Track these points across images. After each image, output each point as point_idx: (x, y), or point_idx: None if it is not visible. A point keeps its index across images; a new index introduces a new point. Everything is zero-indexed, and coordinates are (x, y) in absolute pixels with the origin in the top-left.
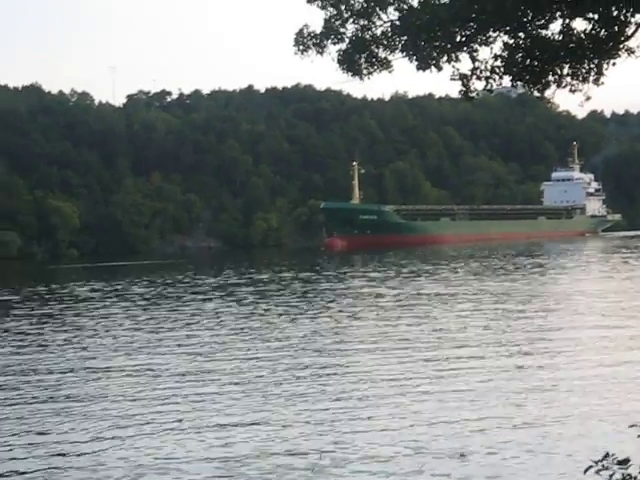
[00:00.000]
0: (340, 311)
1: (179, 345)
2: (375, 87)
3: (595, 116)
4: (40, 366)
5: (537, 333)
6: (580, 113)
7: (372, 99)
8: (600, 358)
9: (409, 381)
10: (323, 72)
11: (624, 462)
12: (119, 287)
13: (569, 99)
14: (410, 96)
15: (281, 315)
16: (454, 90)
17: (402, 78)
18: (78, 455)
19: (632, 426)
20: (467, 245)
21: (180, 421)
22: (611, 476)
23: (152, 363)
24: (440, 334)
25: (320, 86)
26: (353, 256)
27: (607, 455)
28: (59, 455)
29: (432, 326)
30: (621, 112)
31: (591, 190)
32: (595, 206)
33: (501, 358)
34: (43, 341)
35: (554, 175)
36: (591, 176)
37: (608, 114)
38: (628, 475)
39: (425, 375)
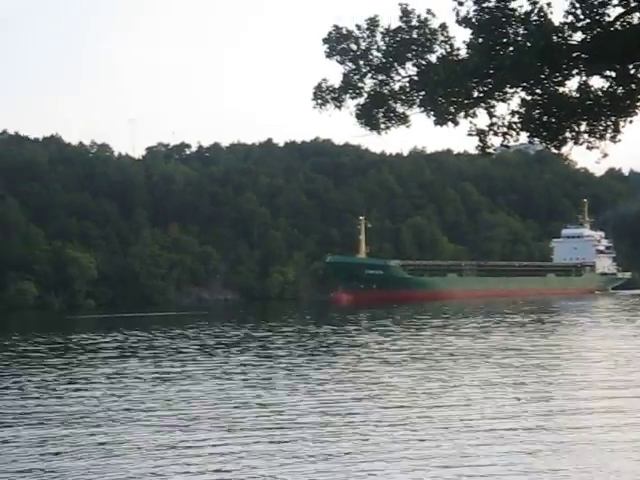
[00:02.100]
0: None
1: (193, 395)
2: (393, 142)
3: (613, 173)
4: (56, 414)
5: (551, 389)
6: (598, 170)
7: (390, 154)
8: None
9: (420, 444)
10: (342, 126)
11: None
12: (138, 338)
13: (587, 156)
14: (428, 151)
15: (282, 373)
16: (472, 146)
17: (420, 133)
18: None
19: None
20: (474, 301)
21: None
22: None
23: (172, 415)
24: (446, 388)
25: (339, 140)
26: (359, 311)
27: None
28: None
29: (439, 381)
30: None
31: (601, 247)
32: (605, 263)
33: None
34: (61, 389)
35: (564, 232)
36: (601, 233)
37: (626, 171)
38: None
39: (434, 433)
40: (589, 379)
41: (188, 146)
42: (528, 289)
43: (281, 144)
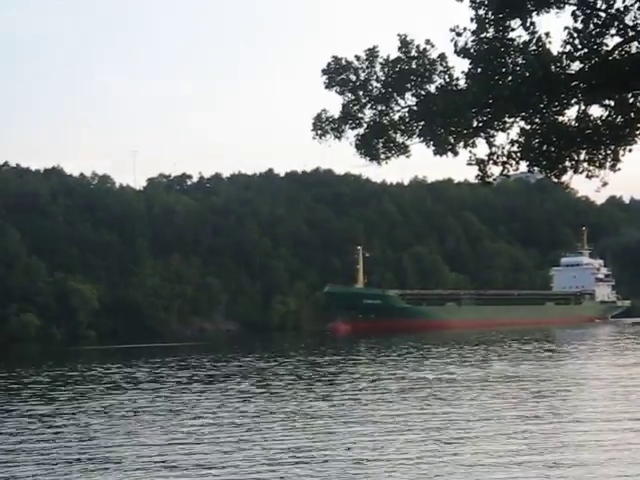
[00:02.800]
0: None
1: (204, 431)
2: (394, 171)
3: (614, 201)
4: (59, 449)
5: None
6: (599, 199)
7: (391, 183)
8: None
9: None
10: (342, 156)
11: None
12: (142, 370)
13: (587, 184)
14: (429, 181)
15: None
16: (472, 175)
17: (421, 162)
18: None
19: None
20: (473, 331)
21: None
22: None
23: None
24: (446, 417)
25: (339, 170)
26: (359, 341)
27: None
28: None
29: (440, 409)
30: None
31: (601, 275)
32: (605, 292)
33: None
34: (63, 422)
35: (563, 260)
36: (600, 261)
37: (627, 199)
38: None
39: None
40: (591, 409)
41: (189, 177)
42: (527, 318)
43: (282, 174)
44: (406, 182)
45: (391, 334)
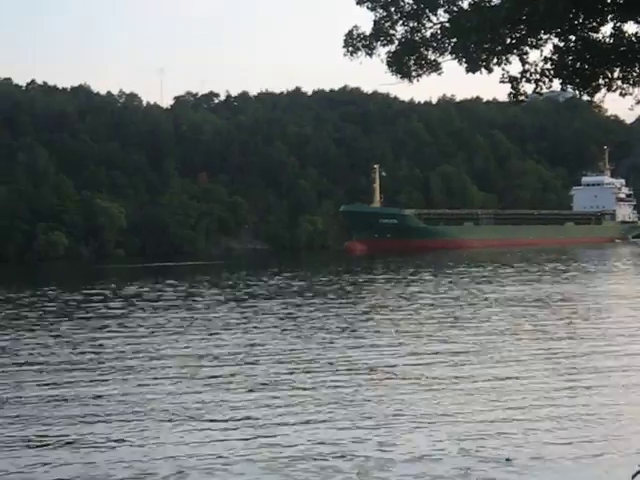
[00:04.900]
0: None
1: (225, 348)
2: (422, 90)
3: None
4: (99, 363)
5: (575, 338)
6: (629, 118)
7: (419, 102)
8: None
9: (451, 384)
10: (371, 74)
11: None
12: (181, 288)
13: (618, 103)
14: (458, 99)
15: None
16: (502, 94)
17: (450, 81)
18: (121, 449)
19: None
20: (491, 250)
21: (227, 421)
22: None
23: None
24: (476, 334)
25: (367, 89)
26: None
27: None
28: (102, 449)
29: (467, 326)
30: None
31: (622, 195)
32: (625, 212)
33: (543, 362)
34: (80, 338)
35: (584, 180)
36: (622, 181)
37: None
38: None
39: (469, 378)
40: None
41: (217, 95)
42: (547, 238)
43: (309, 93)
44: (434, 101)
45: (407, 254)
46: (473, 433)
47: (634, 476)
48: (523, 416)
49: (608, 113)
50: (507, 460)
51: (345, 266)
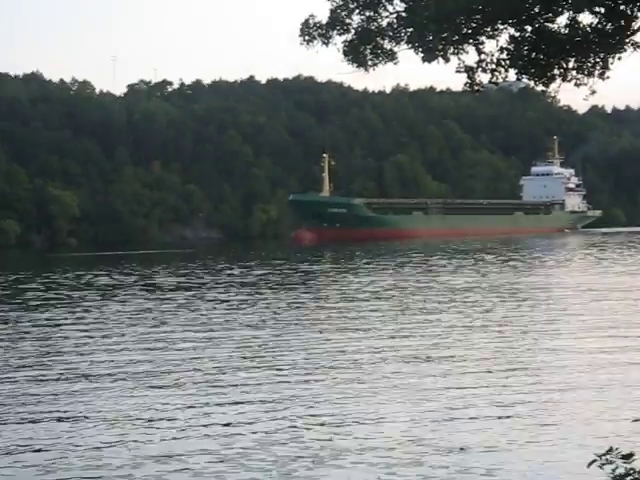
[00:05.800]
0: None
1: (186, 337)
2: (377, 80)
3: (596, 111)
4: (51, 352)
5: (529, 327)
6: (581, 108)
7: (373, 92)
8: (601, 351)
9: (408, 376)
10: (324, 64)
11: (628, 456)
12: (134, 276)
13: (570, 95)
14: (411, 89)
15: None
16: (455, 84)
17: (404, 71)
18: (78, 441)
19: (636, 420)
20: (439, 240)
21: (186, 409)
22: (614, 470)
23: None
24: (430, 327)
25: (321, 78)
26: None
27: (611, 449)
28: (61, 438)
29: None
30: (622, 108)
31: (571, 185)
32: (575, 202)
33: (500, 350)
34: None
35: (533, 170)
36: (571, 171)
37: (609, 109)
38: (632, 469)
39: (422, 371)
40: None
41: (170, 83)
42: (496, 227)
43: (263, 81)
44: (388, 90)
45: (356, 243)
46: (427, 425)
47: (589, 464)
48: (475, 409)
49: (561, 104)
50: (461, 449)
51: (283, 256)
